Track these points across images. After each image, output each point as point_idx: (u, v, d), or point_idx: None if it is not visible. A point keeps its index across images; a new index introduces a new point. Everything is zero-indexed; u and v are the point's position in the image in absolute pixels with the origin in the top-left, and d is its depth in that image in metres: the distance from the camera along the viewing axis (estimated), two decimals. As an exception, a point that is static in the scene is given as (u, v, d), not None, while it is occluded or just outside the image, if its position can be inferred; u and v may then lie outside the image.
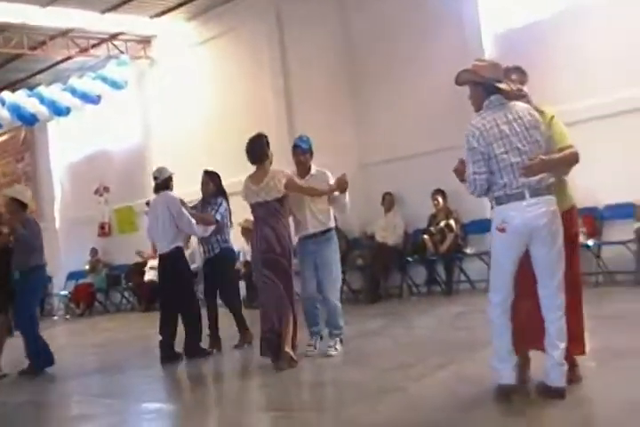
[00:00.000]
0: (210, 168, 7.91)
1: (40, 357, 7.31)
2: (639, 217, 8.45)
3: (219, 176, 7.79)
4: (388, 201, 10.72)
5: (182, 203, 7.33)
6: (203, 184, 7.70)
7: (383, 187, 10.68)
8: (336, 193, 6.33)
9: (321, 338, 6.47)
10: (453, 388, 4.60)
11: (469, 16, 10.02)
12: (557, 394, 3.96)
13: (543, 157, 4.02)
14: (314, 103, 11.55)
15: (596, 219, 9.05)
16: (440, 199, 9.89)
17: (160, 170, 7.56)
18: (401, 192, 10.70)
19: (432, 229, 10.07)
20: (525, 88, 4.39)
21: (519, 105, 4.16)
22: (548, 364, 4.02)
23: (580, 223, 8.93)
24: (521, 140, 4.04)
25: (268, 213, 6.08)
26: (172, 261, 7.25)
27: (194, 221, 7.24)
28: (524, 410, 3.90)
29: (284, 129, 11.62)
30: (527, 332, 4.15)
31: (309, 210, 6.37)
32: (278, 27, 12.38)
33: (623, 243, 8.42)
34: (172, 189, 7.47)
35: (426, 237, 10.07)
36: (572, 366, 4.18)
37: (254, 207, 6.19)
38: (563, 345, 4.01)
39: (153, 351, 7.03)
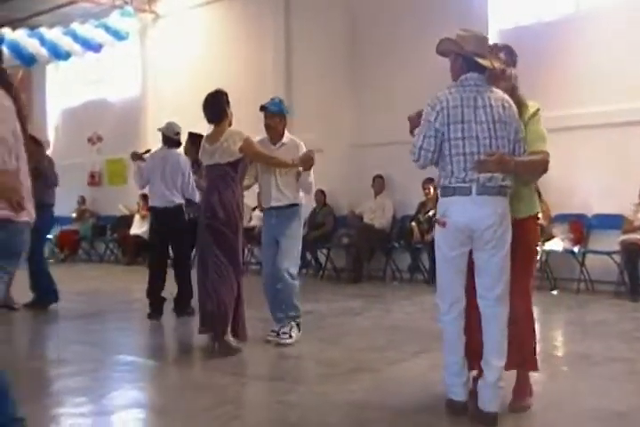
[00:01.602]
0: (195, 131, 7.36)
1: (49, 292, 7.73)
2: (626, 229, 8.46)
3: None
4: (379, 184, 10.69)
5: None
6: (186, 148, 7.41)
7: (376, 169, 10.63)
8: (300, 169, 5.81)
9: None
10: (426, 375, 4.60)
11: (477, 9, 9.92)
12: (487, 420, 3.58)
13: (504, 156, 3.58)
14: (313, 80, 11.46)
15: (584, 226, 9.07)
16: (431, 188, 9.85)
17: (174, 125, 7.47)
18: (392, 177, 10.67)
19: (420, 217, 10.05)
20: (513, 71, 3.93)
21: (496, 93, 3.70)
22: (479, 384, 3.68)
23: (567, 229, 9.02)
24: (483, 131, 3.60)
25: (218, 177, 5.51)
26: (177, 217, 7.17)
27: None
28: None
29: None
30: (480, 344, 3.71)
31: (275, 181, 5.86)
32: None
33: (608, 253, 8.45)
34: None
35: (413, 224, 10.05)
36: (525, 386, 3.90)
37: (208, 170, 5.65)
38: (499, 364, 3.62)
39: (135, 304, 6.99)
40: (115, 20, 14.12)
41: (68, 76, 16.85)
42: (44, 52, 13.56)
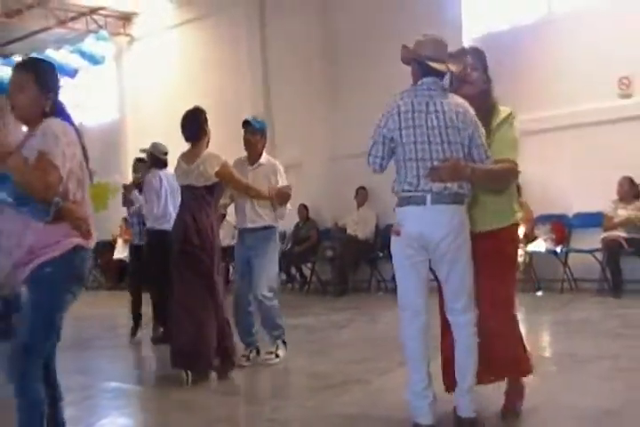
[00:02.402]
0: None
1: None
2: (607, 227, 8.55)
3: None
4: (362, 195, 10.74)
5: None
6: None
7: (357, 180, 10.65)
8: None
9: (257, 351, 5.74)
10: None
11: (452, 16, 10.05)
12: (466, 425, 3.53)
13: (459, 163, 3.47)
14: (290, 96, 11.52)
15: (565, 226, 9.16)
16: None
17: (161, 145, 7.49)
18: (375, 187, 10.72)
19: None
20: (480, 74, 3.80)
21: (451, 98, 3.57)
22: (455, 391, 3.62)
23: (549, 230, 9.11)
24: (435, 136, 3.48)
25: (191, 199, 5.29)
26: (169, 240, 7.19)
27: None
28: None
29: (260, 112, 11.55)
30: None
31: (250, 202, 5.65)
32: (260, 14, 12.40)
33: (590, 251, 8.54)
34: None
35: (397, 234, 10.08)
36: (517, 389, 3.84)
37: (182, 189, 5.43)
38: (471, 370, 3.54)
39: (119, 330, 6.96)
40: (90, 44, 14.11)
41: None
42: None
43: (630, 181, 8.54)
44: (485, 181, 3.62)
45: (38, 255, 2.91)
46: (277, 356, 5.62)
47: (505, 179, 3.72)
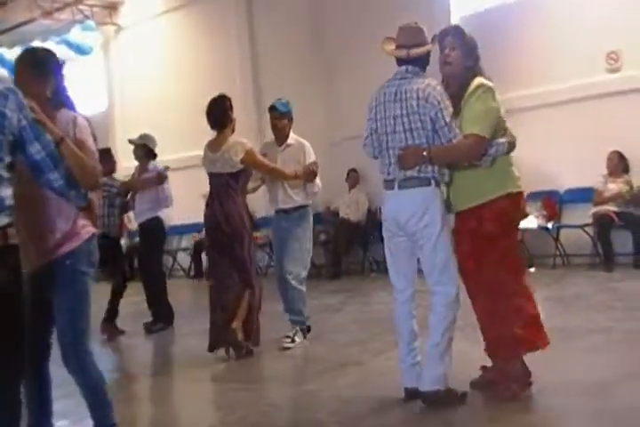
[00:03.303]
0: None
1: None
2: (597, 201, 8.59)
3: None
4: (353, 178, 10.76)
5: None
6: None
7: (348, 163, 10.68)
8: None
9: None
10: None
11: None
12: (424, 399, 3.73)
13: (417, 148, 3.67)
14: (281, 80, 11.42)
15: (556, 202, 9.20)
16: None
17: (152, 137, 7.38)
18: (366, 169, 10.72)
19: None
20: (455, 53, 3.83)
21: (415, 83, 3.71)
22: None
23: (540, 206, 9.15)
24: (398, 125, 3.72)
25: (220, 187, 5.44)
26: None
27: None
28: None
29: (250, 104, 11.54)
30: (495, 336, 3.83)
31: (281, 184, 5.78)
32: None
33: (581, 226, 8.58)
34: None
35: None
36: (505, 371, 3.82)
37: (210, 177, 5.56)
38: (432, 338, 3.74)
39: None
40: (76, 35, 14.00)
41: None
42: (5, 73, 13.48)
43: (619, 155, 8.57)
44: (446, 159, 3.78)
45: (63, 244, 2.95)
46: (293, 341, 5.65)
47: (464, 154, 3.77)
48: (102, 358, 6.24)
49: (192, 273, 12.77)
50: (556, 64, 9.07)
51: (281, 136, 5.90)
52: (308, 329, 5.87)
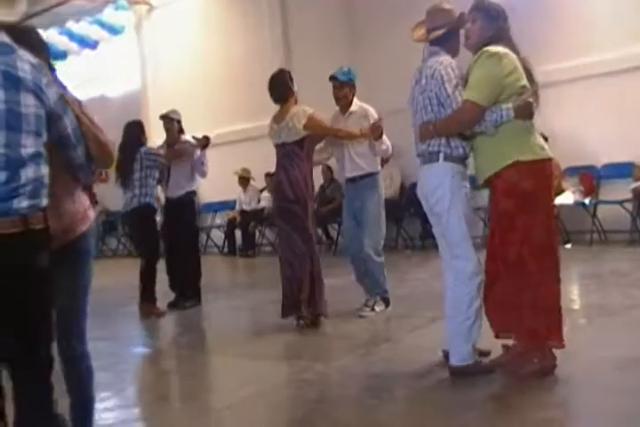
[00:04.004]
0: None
1: None
2: (637, 177, 8.43)
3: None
4: (387, 154, 10.68)
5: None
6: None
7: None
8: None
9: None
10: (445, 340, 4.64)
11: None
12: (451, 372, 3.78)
13: (426, 125, 3.79)
14: (313, 59, 11.38)
15: (593, 178, 9.05)
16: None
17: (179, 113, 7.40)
18: (400, 144, 10.62)
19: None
20: (475, 26, 3.79)
21: (428, 62, 3.83)
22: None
23: (577, 182, 9.00)
24: (417, 104, 3.87)
25: (285, 156, 5.55)
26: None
27: None
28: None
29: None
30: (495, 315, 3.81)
31: (347, 152, 5.81)
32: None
33: (619, 202, 8.43)
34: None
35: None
36: (518, 353, 3.76)
37: (276, 148, 5.67)
38: (447, 314, 3.79)
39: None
40: (109, 14, 14.11)
41: (68, 76, 16.86)
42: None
43: (661, 128, 8.38)
44: (447, 129, 3.77)
45: (75, 228, 2.88)
46: (373, 309, 5.70)
47: (458, 122, 3.73)
48: (134, 333, 6.36)
49: (225, 250, 12.83)
50: (597, 35, 8.87)
51: (343, 104, 5.92)
52: (387, 302, 5.86)
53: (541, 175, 3.64)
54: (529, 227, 3.61)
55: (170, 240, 7.17)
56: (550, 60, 9.03)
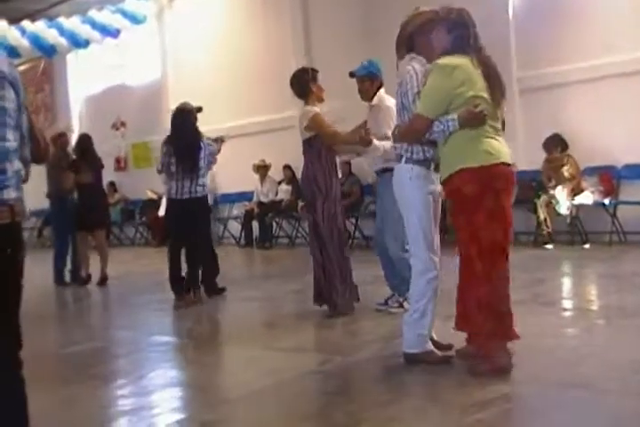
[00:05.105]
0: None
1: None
2: (658, 178, 8.37)
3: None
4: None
5: None
6: None
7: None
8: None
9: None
10: (460, 335, 4.62)
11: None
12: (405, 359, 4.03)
13: (396, 128, 4.12)
14: (333, 49, 11.40)
15: (613, 178, 8.99)
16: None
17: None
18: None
19: (442, 179, 10.03)
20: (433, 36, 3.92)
21: (407, 67, 4.09)
22: None
23: (597, 182, 8.95)
24: (398, 105, 4.15)
25: (303, 153, 5.76)
26: None
27: None
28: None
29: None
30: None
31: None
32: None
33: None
34: None
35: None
36: (472, 350, 3.92)
37: None
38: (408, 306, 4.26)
39: (167, 285, 7.02)
40: (131, 3, 14.14)
41: (89, 64, 16.96)
42: (63, 41, 13.64)
43: (682, 129, 8.32)
44: (403, 137, 4.01)
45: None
46: (401, 306, 5.53)
47: (407, 132, 3.95)
48: (153, 322, 6.38)
49: (242, 241, 12.86)
50: (616, 36, 8.80)
51: (366, 98, 5.78)
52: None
53: (487, 179, 3.69)
54: (473, 227, 3.73)
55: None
56: (570, 60, 8.99)
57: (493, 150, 3.71)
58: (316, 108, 5.72)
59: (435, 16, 3.92)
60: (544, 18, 9.18)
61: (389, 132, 5.16)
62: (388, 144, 5.35)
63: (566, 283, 6.89)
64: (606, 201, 8.75)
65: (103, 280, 8.71)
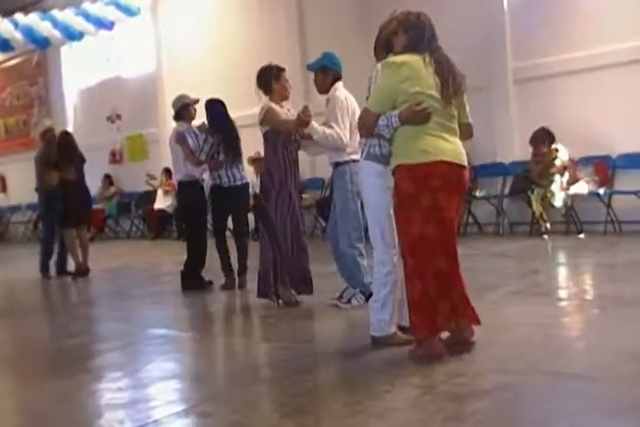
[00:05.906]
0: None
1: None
2: (653, 167, 8.39)
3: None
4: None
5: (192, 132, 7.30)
6: None
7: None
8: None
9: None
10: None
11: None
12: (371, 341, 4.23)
13: None
14: (328, 40, 11.29)
15: (608, 168, 9.00)
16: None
17: (177, 98, 7.50)
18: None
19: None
20: (395, 38, 4.10)
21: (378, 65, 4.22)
22: None
23: (592, 172, 8.96)
24: None
25: (263, 148, 5.90)
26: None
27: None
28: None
29: (297, 65, 11.44)
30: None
31: None
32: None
33: (635, 193, 8.38)
34: (186, 119, 7.40)
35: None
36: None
37: None
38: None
39: (164, 278, 7.05)
40: (125, -5, 14.09)
41: (83, 56, 16.91)
42: (57, 34, 13.58)
43: (677, 119, 8.33)
44: (359, 130, 4.20)
45: None
46: (349, 302, 5.54)
47: (359, 124, 4.09)
48: (149, 315, 6.38)
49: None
50: (613, 25, 8.82)
51: (320, 91, 5.69)
52: (366, 295, 5.41)
53: (422, 178, 3.76)
54: (406, 223, 3.85)
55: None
56: (566, 50, 8.99)
57: (431, 148, 3.77)
58: (273, 105, 5.77)
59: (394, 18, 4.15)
60: (539, 8, 9.18)
61: (332, 122, 5.37)
62: (329, 130, 5.37)
63: (561, 273, 6.91)
64: (601, 191, 8.77)
65: (86, 271, 8.84)
